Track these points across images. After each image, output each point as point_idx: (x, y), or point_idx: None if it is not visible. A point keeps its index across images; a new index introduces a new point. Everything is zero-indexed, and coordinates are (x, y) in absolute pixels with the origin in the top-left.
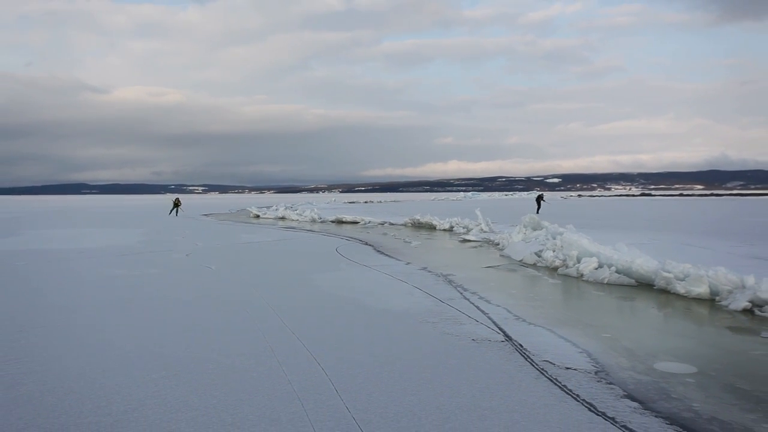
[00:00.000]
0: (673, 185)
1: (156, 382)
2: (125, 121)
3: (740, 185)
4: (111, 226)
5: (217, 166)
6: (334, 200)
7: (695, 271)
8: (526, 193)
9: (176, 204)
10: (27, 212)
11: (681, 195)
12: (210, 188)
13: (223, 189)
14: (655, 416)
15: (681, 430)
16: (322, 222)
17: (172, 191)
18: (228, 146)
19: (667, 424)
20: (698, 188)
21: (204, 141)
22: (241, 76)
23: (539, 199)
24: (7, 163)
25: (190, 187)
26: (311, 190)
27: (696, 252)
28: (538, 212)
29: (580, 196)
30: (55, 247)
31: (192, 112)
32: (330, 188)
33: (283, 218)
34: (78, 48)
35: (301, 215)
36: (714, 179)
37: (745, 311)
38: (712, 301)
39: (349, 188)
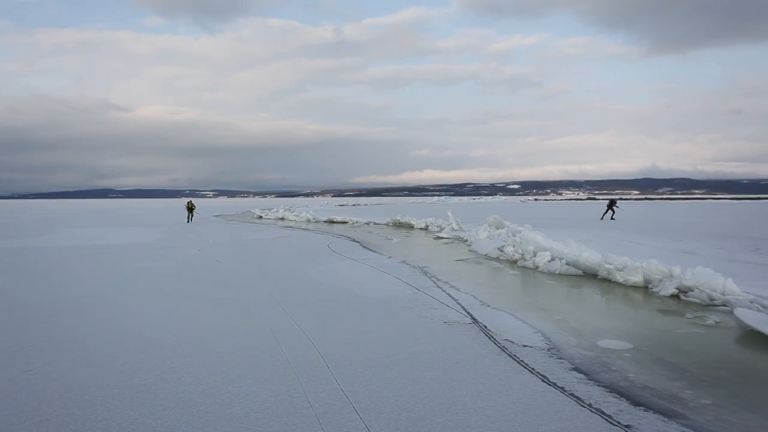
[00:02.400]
0: (614, 191)
1: (172, 359)
2: (146, 135)
3: (669, 191)
4: (134, 226)
5: (225, 174)
6: (327, 203)
7: (632, 263)
8: (490, 197)
9: (190, 208)
10: (62, 214)
11: (620, 199)
12: (220, 193)
13: (231, 194)
14: (598, 385)
15: (619, 396)
16: (316, 222)
17: (187, 196)
18: (235, 157)
19: (607, 392)
20: (634, 193)
21: (214, 152)
22: (246, 97)
23: (612, 205)
24: (44, 172)
25: (202, 192)
26: (307, 195)
27: (633, 247)
28: (612, 218)
29: (536, 200)
30: (86, 243)
31: (204, 127)
32: (323, 193)
33: (282, 218)
34: (106, 72)
35: (298, 216)
36: (647, 186)
37: (673, 296)
38: (645, 288)
39: (339, 193)
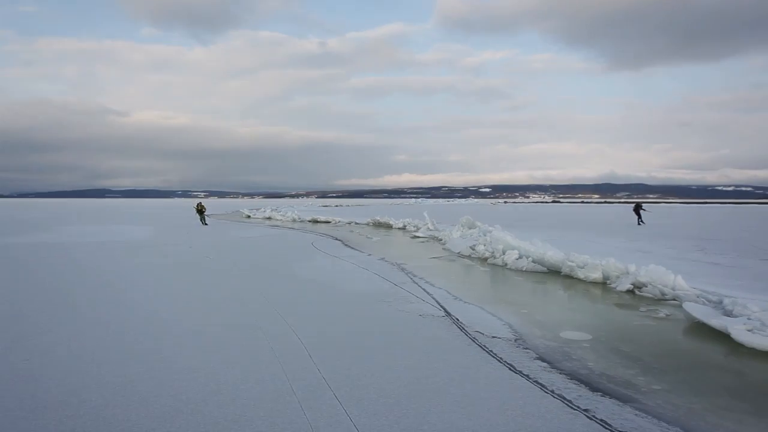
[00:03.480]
0: (576, 195)
1: (163, 350)
2: (141, 138)
3: (626, 195)
4: (130, 224)
5: (216, 175)
6: (311, 204)
7: (592, 260)
8: (464, 200)
9: (200, 210)
10: (61, 213)
11: (582, 202)
12: (210, 193)
13: (220, 194)
14: (560, 373)
15: (578, 383)
16: (301, 221)
17: (179, 197)
18: (225, 160)
19: (568, 379)
20: (595, 197)
21: (206, 155)
22: (236, 104)
23: (638, 209)
24: (44, 172)
25: (194, 193)
26: (292, 196)
27: (593, 246)
28: (640, 222)
29: (506, 202)
30: (85, 240)
31: (196, 132)
32: (308, 194)
33: (269, 218)
34: (103, 79)
35: (284, 216)
36: (607, 190)
37: (629, 292)
38: (604, 284)
39: (323, 195)
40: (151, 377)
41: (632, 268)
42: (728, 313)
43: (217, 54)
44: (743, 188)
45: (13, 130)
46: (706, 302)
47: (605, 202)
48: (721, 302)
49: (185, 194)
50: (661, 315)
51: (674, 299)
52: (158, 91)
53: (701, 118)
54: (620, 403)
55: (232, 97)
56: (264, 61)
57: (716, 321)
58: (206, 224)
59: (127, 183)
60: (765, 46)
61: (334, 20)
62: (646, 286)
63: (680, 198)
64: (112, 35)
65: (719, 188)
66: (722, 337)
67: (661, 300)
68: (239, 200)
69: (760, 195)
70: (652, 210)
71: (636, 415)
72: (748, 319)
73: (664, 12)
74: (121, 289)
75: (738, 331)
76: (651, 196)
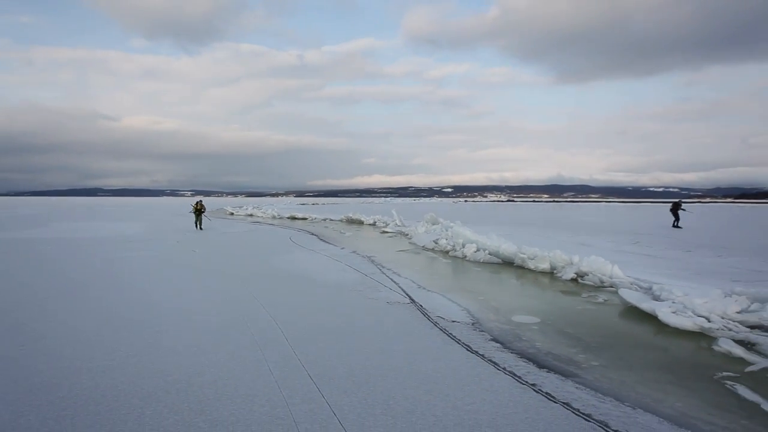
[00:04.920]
0: (528, 194)
1: (150, 335)
2: (131, 141)
3: (572, 195)
4: (121, 221)
5: (202, 176)
6: (290, 202)
7: (541, 253)
8: (428, 198)
9: (199, 210)
10: (56, 210)
11: (533, 201)
12: (196, 192)
13: (206, 193)
14: (511, 352)
15: (527, 361)
16: (280, 218)
17: (168, 195)
18: (210, 162)
19: (518, 357)
20: (545, 197)
21: (192, 157)
22: (221, 110)
23: (676, 207)
24: (39, 172)
25: (181, 192)
26: (273, 195)
27: (542, 240)
28: (676, 225)
29: (466, 201)
30: (77, 236)
31: (183, 136)
32: (287, 194)
33: (251, 215)
34: (96, 86)
35: (265, 213)
36: (555, 190)
37: (573, 280)
38: (551, 274)
39: (300, 194)
40: (138, 360)
41: (575, 259)
42: (656, 298)
43: (203, 64)
44: (671, 189)
45: (9, 133)
46: (639, 288)
47: (554, 201)
48: (650, 288)
49: (173, 193)
50: (600, 300)
51: (611, 286)
52: (147, 97)
53: (636, 127)
54: (563, 378)
55: (216, 104)
56: (246, 71)
57: (646, 305)
58: (201, 228)
59: (118, 183)
60: (685, 66)
61: (311, 35)
62: (588, 275)
63: (618, 197)
64: (104, 45)
65: (651, 189)
66: (651, 318)
67: (600, 287)
68: (224, 199)
69: (685, 195)
70: (692, 210)
71: (576, 388)
72: (673, 302)
73: (603, 33)
74: (112, 280)
75: (664, 313)
76: (593, 195)
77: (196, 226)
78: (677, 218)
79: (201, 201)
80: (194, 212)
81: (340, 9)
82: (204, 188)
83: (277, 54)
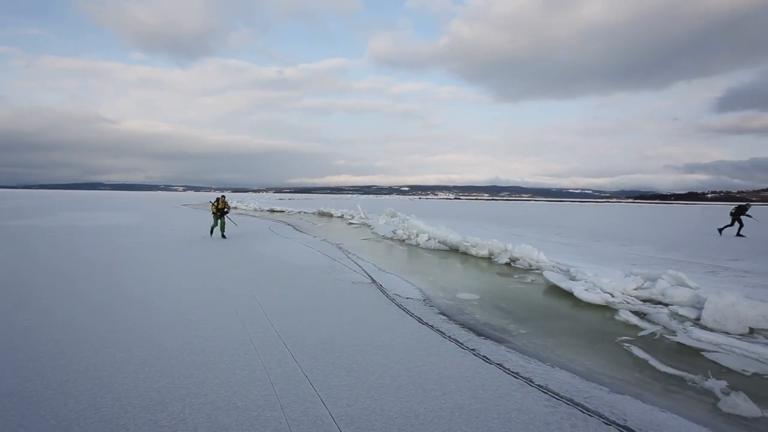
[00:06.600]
0: (471, 194)
1: (144, 310)
2: (129, 142)
3: (507, 194)
4: (119, 211)
5: (192, 173)
6: (269, 197)
7: (481, 241)
8: (388, 196)
9: (223, 210)
10: (60, 201)
11: (476, 199)
12: (187, 188)
13: (196, 188)
14: (455, 324)
15: (469, 330)
16: (261, 210)
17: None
18: (200, 161)
19: (461, 327)
20: (485, 196)
21: (183, 157)
22: (209, 116)
23: (741, 212)
24: (46, 168)
25: (174, 187)
26: (255, 191)
27: (482, 231)
28: (739, 234)
29: (420, 198)
30: (80, 224)
31: (176, 138)
32: (267, 190)
33: (235, 207)
34: (98, 92)
35: (247, 206)
36: (494, 191)
37: (507, 264)
38: (489, 259)
39: (279, 190)
40: (133, 333)
41: (509, 246)
42: (573, 278)
43: (194, 76)
44: (587, 191)
45: (19, 132)
46: (559, 271)
47: (493, 200)
48: (568, 271)
49: (167, 188)
50: (528, 280)
51: (538, 269)
52: (144, 104)
53: (560, 140)
54: (497, 344)
55: (205, 111)
56: (232, 83)
57: (564, 284)
58: (224, 236)
59: (116, 178)
60: (598, 91)
61: (290, 54)
62: (519, 260)
63: (544, 197)
64: (106, 57)
65: (570, 190)
66: (568, 295)
67: (528, 270)
68: (211, 193)
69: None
70: (759, 219)
71: (507, 351)
72: (585, 282)
73: (533, 62)
74: (112, 262)
75: (578, 290)
76: (525, 195)
77: (212, 232)
78: (741, 225)
79: (224, 197)
80: (214, 212)
81: (316, 33)
82: (194, 184)
83: (260, 69)
